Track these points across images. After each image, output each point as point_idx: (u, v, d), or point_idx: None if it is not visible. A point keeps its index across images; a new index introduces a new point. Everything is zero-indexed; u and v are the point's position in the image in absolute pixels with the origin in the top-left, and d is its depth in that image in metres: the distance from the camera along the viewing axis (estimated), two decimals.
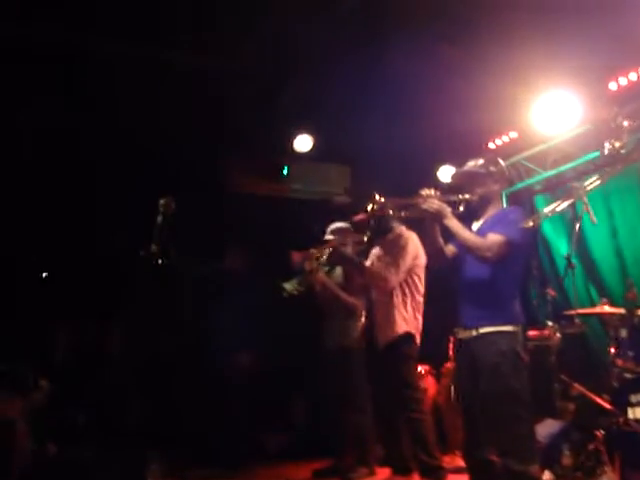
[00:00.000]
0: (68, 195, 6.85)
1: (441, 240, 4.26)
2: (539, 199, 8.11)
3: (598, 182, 4.33)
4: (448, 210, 4.08)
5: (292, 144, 7.75)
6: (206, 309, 6.87)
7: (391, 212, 4.21)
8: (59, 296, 7.07)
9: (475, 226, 4.24)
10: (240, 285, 7.13)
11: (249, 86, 6.72)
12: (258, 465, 6.72)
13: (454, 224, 4.06)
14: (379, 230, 5.39)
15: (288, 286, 5.91)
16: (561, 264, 7.56)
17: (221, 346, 7.14)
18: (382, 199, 4.15)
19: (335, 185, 8.07)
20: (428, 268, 5.30)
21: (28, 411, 5.45)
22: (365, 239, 5.35)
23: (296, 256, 5.50)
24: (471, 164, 4.28)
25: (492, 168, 4.26)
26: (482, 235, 4.07)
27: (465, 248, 4.11)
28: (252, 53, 6.39)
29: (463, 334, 4.14)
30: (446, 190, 4.26)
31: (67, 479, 3.52)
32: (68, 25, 5.81)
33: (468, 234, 4.09)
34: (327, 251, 5.43)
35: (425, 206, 4.07)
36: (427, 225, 4.22)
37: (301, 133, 7.71)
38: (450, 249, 4.31)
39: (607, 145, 3.03)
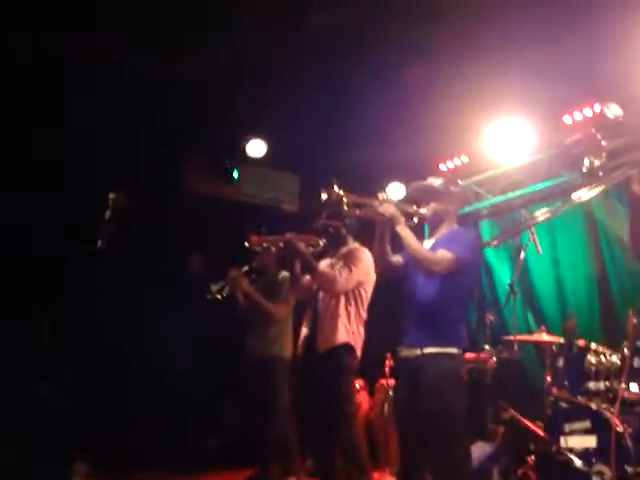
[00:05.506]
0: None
1: (389, 247, 4.25)
2: (484, 224, 8.18)
3: (548, 215, 4.38)
4: (402, 218, 4.07)
5: (244, 149, 7.72)
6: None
7: (346, 207, 4.16)
8: None
9: (427, 244, 4.23)
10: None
11: (206, 92, 6.64)
12: (185, 471, 6.63)
13: (406, 232, 4.05)
14: (334, 241, 5.33)
15: (214, 287, 5.91)
16: (502, 291, 7.65)
17: (158, 347, 7.02)
18: (340, 191, 4.11)
19: (284, 193, 8.04)
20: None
21: None
22: (321, 243, 5.30)
23: (254, 239, 5.43)
24: (431, 180, 4.29)
25: (452, 188, 4.28)
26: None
27: (414, 259, 4.10)
28: (210, 59, 6.28)
29: (407, 352, 4.11)
30: (402, 201, 4.27)
31: None
32: None
33: (418, 244, 4.09)
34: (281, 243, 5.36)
35: (381, 209, 4.06)
36: (378, 229, 4.20)
37: (254, 138, 7.68)
38: (397, 260, 4.29)
39: (586, 162, 3.01)
